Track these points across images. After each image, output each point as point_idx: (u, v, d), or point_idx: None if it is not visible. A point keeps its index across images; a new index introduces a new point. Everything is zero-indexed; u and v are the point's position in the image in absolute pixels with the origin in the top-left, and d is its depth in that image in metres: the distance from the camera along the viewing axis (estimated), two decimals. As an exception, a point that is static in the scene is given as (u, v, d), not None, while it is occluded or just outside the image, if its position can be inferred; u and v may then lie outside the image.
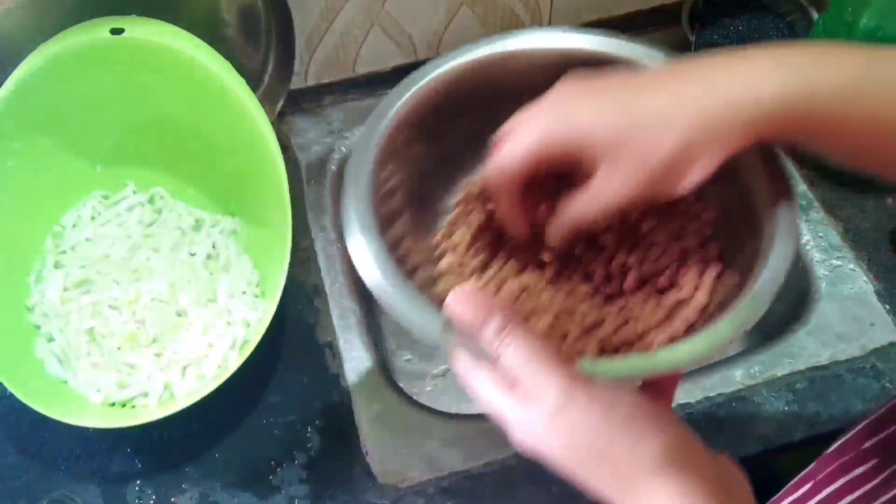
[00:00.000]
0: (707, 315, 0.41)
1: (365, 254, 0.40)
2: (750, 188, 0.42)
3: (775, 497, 0.54)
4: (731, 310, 0.38)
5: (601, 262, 0.44)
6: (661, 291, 0.43)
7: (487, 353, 0.37)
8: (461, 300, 0.37)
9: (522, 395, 0.36)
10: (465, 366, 0.39)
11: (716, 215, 0.45)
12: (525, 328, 0.37)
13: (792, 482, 0.55)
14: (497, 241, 0.45)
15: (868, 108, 0.35)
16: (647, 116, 0.37)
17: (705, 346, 0.37)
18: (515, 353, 0.36)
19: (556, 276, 0.44)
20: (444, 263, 0.45)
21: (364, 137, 0.44)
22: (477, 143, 0.44)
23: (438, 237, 0.47)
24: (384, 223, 0.42)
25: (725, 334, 0.37)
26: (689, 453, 0.35)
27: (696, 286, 0.42)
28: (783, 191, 0.40)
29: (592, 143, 0.37)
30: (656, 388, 0.40)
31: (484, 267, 0.45)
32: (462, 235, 0.45)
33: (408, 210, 0.46)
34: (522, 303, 0.42)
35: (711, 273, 0.42)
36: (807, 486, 0.54)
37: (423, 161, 0.47)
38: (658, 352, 0.39)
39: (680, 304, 0.42)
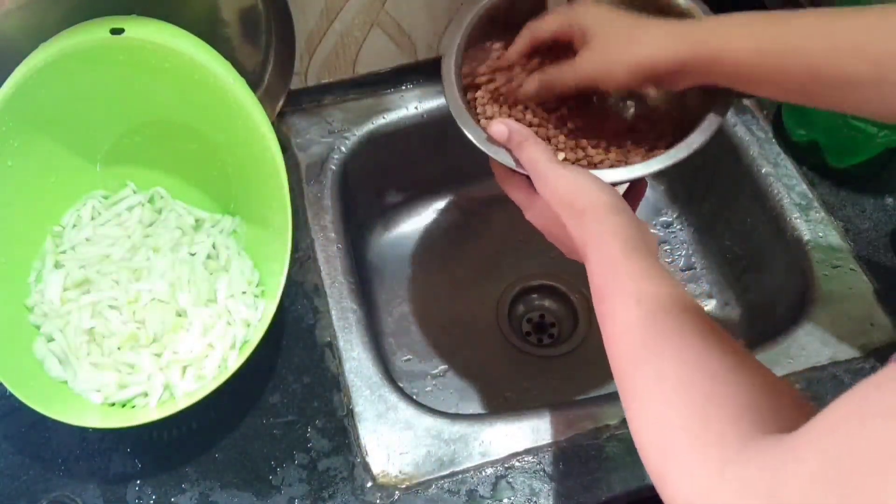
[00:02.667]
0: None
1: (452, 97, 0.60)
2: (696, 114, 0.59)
3: None
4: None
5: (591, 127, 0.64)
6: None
7: (513, 154, 0.56)
8: (500, 123, 0.56)
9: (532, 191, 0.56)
10: (499, 174, 0.59)
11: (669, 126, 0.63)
12: (536, 139, 0.56)
13: None
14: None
15: (770, 63, 0.52)
16: (626, 36, 0.56)
17: (660, 161, 0.57)
18: (530, 153, 0.55)
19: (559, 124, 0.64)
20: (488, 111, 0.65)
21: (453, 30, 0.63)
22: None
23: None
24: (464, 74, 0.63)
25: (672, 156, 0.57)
26: (620, 208, 0.51)
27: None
28: (720, 111, 0.58)
29: (590, 34, 0.57)
30: (629, 193, 0.60)
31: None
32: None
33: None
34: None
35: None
36: None
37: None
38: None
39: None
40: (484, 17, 0.64)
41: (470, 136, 0.59)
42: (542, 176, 0.54)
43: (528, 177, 0.57)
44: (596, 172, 0.55)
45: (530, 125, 0.63)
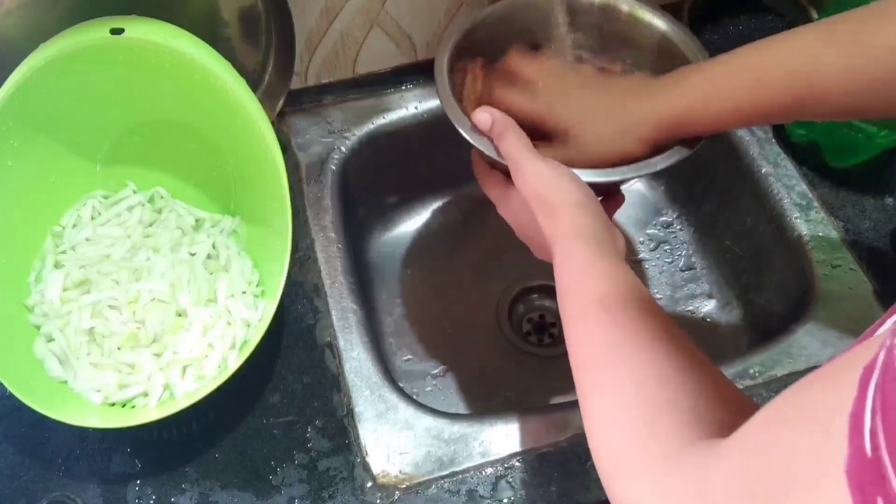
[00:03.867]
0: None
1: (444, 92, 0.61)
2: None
3: None
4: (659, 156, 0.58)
5: None
6: None
7: (494, 144, 0.57)
8: (485, 112, 0.58)
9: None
10: (478, 167, 0.61)
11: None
12: (518, 131, 0.56)
13: None
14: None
15: (712, 110, 0.55)
16: (609, 135, 0.58)
17: (636, 169, 0.58)
18: (510, 144, 0.55)
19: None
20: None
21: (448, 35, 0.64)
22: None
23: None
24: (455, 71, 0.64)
25: (648, 167, 0.58)
26: (591, 207, 0.52)
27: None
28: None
29: (566, 130, 0.59)
30: (607, 202, 0.61)
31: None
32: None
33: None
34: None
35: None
36: None
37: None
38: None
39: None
40: (481, 23, 0.66)
41: (455, 124, 0.59)
42: (519, 167, 0.54)
43: (505, 173, 0.57)
44: (575, 171, 0.55)
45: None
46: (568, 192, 0.52)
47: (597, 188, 0.56)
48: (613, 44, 0.68)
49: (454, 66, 0.64)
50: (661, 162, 0.58)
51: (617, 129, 0.58)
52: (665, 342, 0.43)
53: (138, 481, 0.59)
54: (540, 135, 0.60)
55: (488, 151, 0.57)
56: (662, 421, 0.38)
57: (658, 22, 0.65)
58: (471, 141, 0.58)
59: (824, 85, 0.51)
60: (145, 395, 0.59)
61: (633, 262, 0.87)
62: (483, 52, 0.67)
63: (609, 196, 0.62)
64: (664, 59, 0.64)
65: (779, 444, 0.28)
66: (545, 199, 0.52)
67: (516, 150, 0.55)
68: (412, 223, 0.90)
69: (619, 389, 0.42)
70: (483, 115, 0.57)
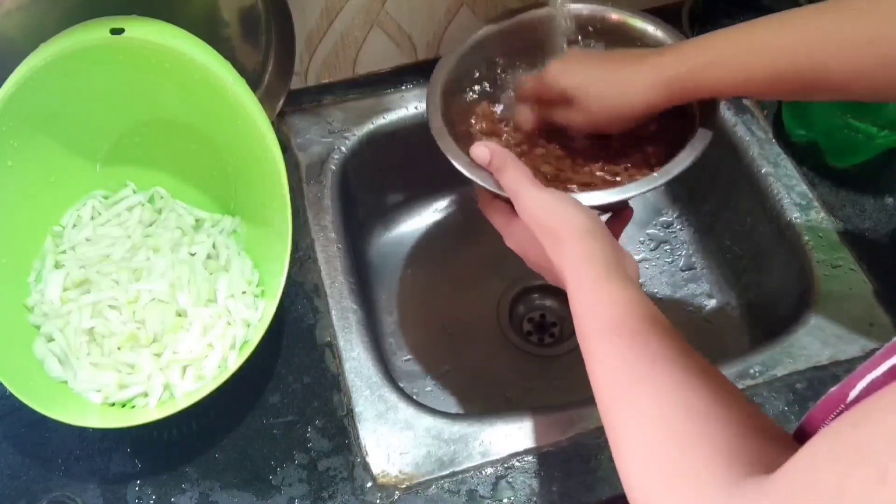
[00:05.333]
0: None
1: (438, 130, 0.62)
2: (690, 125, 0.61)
3: None
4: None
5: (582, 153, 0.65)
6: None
7: (494, 179, 0.57)
8: (482, 146, 0.58)
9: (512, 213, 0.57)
10: (482, 198, 0.61)
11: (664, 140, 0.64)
12: (517, 163, 0.56)
13: None
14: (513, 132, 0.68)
15: (715, 76, 0.56)
16: (611, 93, 0.59)
17: (637, 186, 0.58)
18: (510, 177, 0.55)
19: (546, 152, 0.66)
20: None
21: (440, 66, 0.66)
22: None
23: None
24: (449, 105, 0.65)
25: (651, 182, 0.58)
26: (598, 232, 0.52)
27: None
28: (709, 123, 0.59)
29: (572, 96, 0.60)
30: (615, 219, 0.61)
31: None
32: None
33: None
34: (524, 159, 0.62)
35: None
36: None
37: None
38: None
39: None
40: (476, 46, 0.68)
41: (453, 161, 0.60)
42: (521, 199, 0.54)
43: (508, 201, 0.56)
44: (576, 196, 0.55)
45: (518, 145, 0.65)
46: (572, 219, 0.52)
47: (602, 207, 0.56)
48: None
49: (449, 92, 0.65)
50: (661, 177, 0.57)
51: (617, 90, 0.58)
52: (689, 371, 0.42)
53: (138, 481, 0.59)
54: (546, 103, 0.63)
55: (487, 185, 0.57)
56: (691, 456, 0.37)
57: (652, 30, 0.66)
58: (469, 176, 0.58)
59: (828, 59, 0.51)
60: (145, 395, 0.59)
61: (633, 262, 0.87)
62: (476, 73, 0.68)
63: (616, 213, 0.61)
64: None
65: (829, 487, 0.27)
66: (550, 228, 0.52)
67: (516, 182, 0.55)
68: (412, 223, 0.90)
69: (644, 424, 0.41)
70: (481, 150, 0.57)
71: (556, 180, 0.63)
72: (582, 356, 0.47)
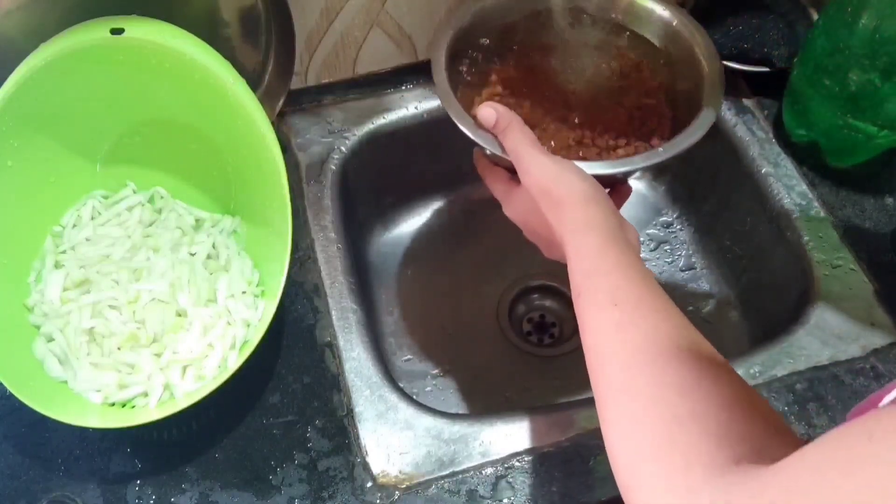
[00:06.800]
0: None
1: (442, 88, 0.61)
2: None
3: None
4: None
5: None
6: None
7: (498, 140, 0.56)
8: (488, 107, 0.56)
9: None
10: (481, 165, 0.60)
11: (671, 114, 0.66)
12: (522, 125, 0.55)
13: None
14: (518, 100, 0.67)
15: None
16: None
17: (643, 160, 0.58)
18: (514, 139, 0.54)
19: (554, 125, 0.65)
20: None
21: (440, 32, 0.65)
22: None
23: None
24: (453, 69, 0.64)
25: (656, 156, 0.58)
26: (599, 199, 0.51)
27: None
28: (714, 103, 0.60)
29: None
30: (614, 193, 0.60)
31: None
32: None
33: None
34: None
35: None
36: None
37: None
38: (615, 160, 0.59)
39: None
40: (478, 15, 0.66)
41: (457, 122, 0.59)
42: (523, 161, 0.53)
43: (510, 170, 0.56)
44: (579, 164, 0.55)
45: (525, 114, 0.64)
46: (575, 185, 0.51)
47: (603, 180, 0.56)
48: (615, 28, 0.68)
49: (453, 59, 0.63)
50: (666, 151, 0.57)
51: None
52: (685, 351, 0.41)
53: (138, 481, 0.59)
54: None
55: (491, 148, 0.57)
56: (682, 436, 0.37)
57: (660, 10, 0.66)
58: (473, 137, 0.58)
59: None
60: (145, 395, 0.59)
61: (633, 262, 0.87)
62: (482, 41, 0.67)
63: (616, 188, 0.61)
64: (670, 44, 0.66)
65: (837, 493, 0.27)
66: (552, 193, 0.51)
67: (521, 145, 0.54)
68: (412, 223, 0.90)
69: (636, 402, 0.40)
70: (487, 111, 0.56)
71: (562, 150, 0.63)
72: (582, 357, 0.47)
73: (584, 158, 0.62)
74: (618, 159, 0.58)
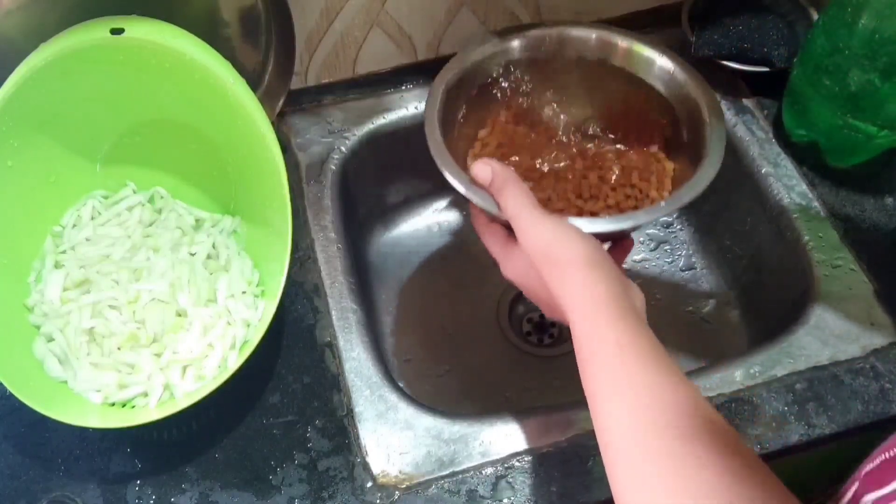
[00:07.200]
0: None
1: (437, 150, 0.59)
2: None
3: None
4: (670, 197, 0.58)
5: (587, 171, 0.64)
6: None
7: (495, 201, 0.54)
8: (484, 164, 0.55)
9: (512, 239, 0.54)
10: (477, 222, 0.58)
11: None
12: (519, 184, 0.53)
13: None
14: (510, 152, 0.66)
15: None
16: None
17: (646, 215, 0.57)
18: (511, 198, 0.52)
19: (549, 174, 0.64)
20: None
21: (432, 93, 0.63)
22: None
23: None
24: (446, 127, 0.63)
25: (659, 211, 0.57)
26: (602, 262, 0.49)
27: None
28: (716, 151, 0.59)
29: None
30: (616, 248, 0.59)
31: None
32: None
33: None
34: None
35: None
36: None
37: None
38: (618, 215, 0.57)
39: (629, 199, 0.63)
40: (470, 68, 0.65)
41: (452, 181, 0.57)
42: (520, 223, 0.51)
43: (507, 226, 0.54)
44: (578, 222, 0.53)
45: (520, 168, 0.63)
46: (575, 249, 0.49)
47: (604, 236, 0.54)
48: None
49: (447, 106, 0.62)
50: (669, 205, 0.56)
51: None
52: (703, 440, 0.39)
53: (138, 481, 0.59)
54: None
55: (488, 207, 0.55)
56: None
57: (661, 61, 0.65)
58: (469, 196, 0.56)
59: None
60: (145, 395, 0.59)
61: (634, 262, 0.87)
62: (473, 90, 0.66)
63: (617, 242, 0.60)
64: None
65: None
66: (551, 257, 0.49)
67: (518, 205, 0.52)
68: (412, 223, 0.90)
69: (657, 489, 0.39)
70: (482, 168, 0.54)
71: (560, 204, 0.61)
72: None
73: (583, 211, 0.61)
74: (619, 215, 0.56)
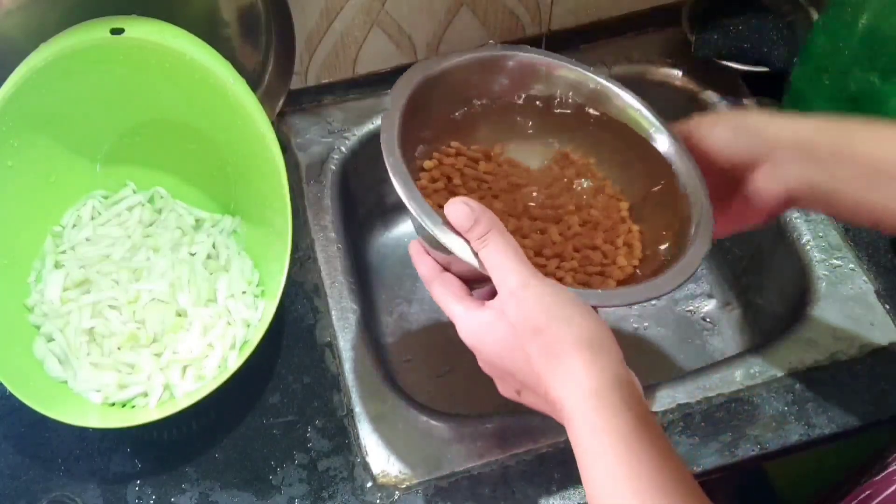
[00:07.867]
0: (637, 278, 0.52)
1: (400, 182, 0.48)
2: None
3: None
4: (664, 275, 0.49)
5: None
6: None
7: (471, 247, 0.44)
8: (462, 203, 0.44)
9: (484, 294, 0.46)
10: (427, 266, 0.48)
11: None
12: (503, 231, 0.43)
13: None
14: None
15: None
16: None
17: (641, 292, 0.48)
18: (496, 248, 0.43)
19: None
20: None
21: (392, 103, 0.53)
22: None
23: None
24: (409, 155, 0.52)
25: (656, 289, 0.48)
26: (605, 343, 0.42)
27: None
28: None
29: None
30: None
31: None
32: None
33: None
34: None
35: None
36: None
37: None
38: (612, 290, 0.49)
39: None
40: (424, 84, 0.54)
41: (421, 220, 0.46)
42: (506, 282, 0.42)
43: (465, 279, 0.46)
44: (576, 291, 0.45)
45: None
46: (574, 325, 0.41)
47: (603, 306, 0.47)
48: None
49: (406, 138, 0.52)
50: (668, 283, 0.48)
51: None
52: None
53: (138, 481, 0.59)
54: None
55: (466, 258, 0.44)
56: None
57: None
58: (446, 244, 0.44)
59: None
60: (145, 395, 0.59)
61: (633, 262, 0.87)
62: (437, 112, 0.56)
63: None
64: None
65: None
66: (542, 330, 0.41)
67: (504, 258, 0.42)
68: (412, 223, 0.90)
69: None
70: (460, 210, 0.43)
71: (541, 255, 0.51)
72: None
73: (562, 270, 0.51)
74: (621, 289, 0.49)
